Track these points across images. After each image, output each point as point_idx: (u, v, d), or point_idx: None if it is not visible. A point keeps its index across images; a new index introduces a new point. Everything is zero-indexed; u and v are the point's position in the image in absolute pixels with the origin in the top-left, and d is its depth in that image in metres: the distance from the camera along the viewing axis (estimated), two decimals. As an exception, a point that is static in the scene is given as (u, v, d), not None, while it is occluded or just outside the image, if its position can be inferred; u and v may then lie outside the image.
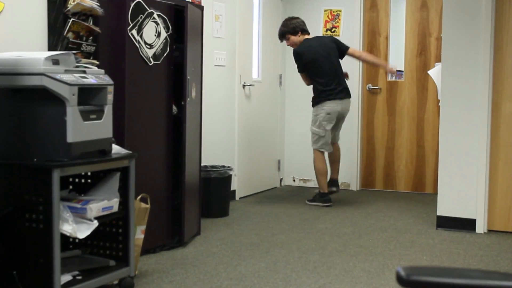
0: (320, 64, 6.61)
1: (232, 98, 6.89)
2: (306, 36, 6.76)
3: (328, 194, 6.73)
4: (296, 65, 6.76)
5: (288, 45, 6.97)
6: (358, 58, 7.05)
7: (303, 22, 6.81)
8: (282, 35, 6.82)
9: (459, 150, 5.56)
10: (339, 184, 7.01)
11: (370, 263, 4.57)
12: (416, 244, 5.16)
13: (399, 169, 7.65)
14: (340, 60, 6.78)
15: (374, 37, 7.66)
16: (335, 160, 6.93)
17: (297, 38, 6.74)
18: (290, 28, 6.75)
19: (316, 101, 6.68)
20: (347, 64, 7.60)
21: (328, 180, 6.83)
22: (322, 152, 6.74)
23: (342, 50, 6.78)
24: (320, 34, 7.64)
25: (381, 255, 4.80)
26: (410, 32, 7.54)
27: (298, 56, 6.67)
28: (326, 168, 6.78)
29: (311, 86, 6.76)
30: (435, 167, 7.00)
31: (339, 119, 6.74)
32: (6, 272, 3.36)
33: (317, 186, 6.93)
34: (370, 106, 7.73)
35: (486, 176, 5.50)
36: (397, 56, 7.73)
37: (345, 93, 6.71)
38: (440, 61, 5.88)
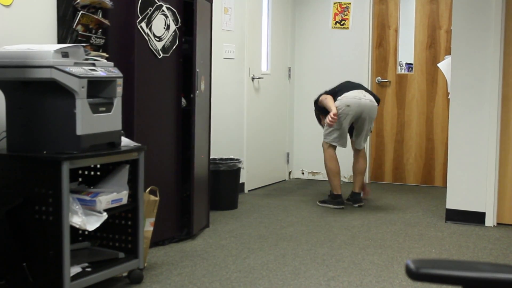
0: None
1: (241, 91, 6.89)
2: None
3: (340, 196, 6.27)
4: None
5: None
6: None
7: None
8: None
9: (469, 143, 5.54)
10: (361, 195, 6.45)
11: (379, 256, 4.56)
12: (425, 237, 5.15)
13: (408, 162, 7.64)
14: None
15: (384, 29, 7.63)
16: (358, 171, 6.43)
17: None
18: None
19: (339, 93, 6.25)
20: (357, 58, 7.59)
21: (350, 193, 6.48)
22: (334, 148, 6.30)
23: None
24: (330, 27, 7.63)
25: (390, 248, 4.80)
26: (419, 25, 7.51)
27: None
28: (338, 166, 6.32)
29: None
30: (445, 160, 6.99)
31: (363, 119, 6.22)
32: (16, 264, 3.38)
33: (327, 179, 6.89)
34: (380, 98, 7.69)
35: (496, 169, 5.48)
36: (407, 48, 7.72)
37: (372, 94, 6.36)
38: (450, 54, 5.85)
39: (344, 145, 6.35)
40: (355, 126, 6.34)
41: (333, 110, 6.09)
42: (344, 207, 6.24)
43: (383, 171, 7.77)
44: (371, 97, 6.28)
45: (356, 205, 6.33)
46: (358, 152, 6.48)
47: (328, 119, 6.14)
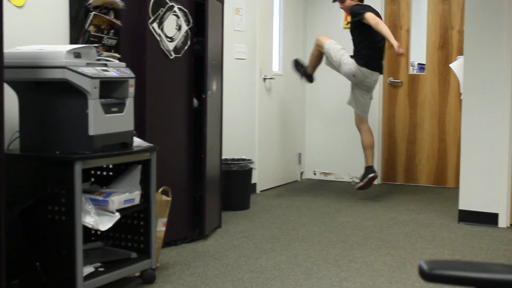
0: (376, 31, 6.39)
1: (252, 91, 6.88)
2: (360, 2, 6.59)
3: (371, 168, 6.60)
4: (358, 14, 6.36)
5: (341, 8, 6.69)
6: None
7: None
8: None
9: (481, 144, 5.51)
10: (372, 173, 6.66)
11: (392, 257, 4.55)
12: (438, 238, 5.13)
13: (421, 162, 7.61)
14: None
15: (396, 30, 7.61)
16: (369, 145, 6.69)
17: (352, 2, 6.53)
18: None
19: (357, 59, 6.45)
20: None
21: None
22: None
23: None
24: (341, 27, 7.62)
25: (403, 248, 4.78)
26: (432, 25, 7.48)
27: (361, 7, 6.43)
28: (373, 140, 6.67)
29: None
30: (457, 161, 6.96)
31: (368, 88, 6.58)
32: (29, 264, 3.39)
33: (339, 180, 6.87)
34: (391, 99, 7.69)
35: (509, 170, 5.45)
36: (419, 49, 7.69)
37: (380, 68, 6.59)
38: (462, 54, 5.82)
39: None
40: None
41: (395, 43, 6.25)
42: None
43: (395, 172, 7.75)
44: (380, 69, 6.59)
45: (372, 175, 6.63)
46: (363, 124, 6.72)
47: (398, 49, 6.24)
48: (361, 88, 6.56)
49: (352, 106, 6.67)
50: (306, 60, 7.01)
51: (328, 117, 7.47)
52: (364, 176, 6.59)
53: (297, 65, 6.95)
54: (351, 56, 6.50)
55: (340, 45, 6.56)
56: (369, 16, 6.29)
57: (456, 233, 5.27)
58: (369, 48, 6.44)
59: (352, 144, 7.53)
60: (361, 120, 6.67)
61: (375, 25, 6.26)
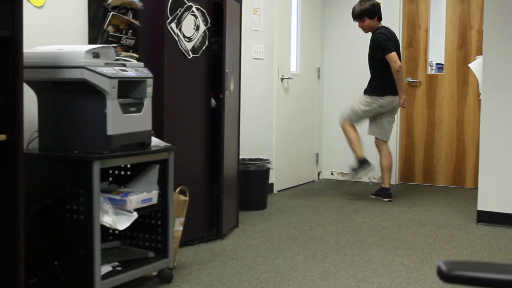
0: (397, 56, 6.43)
1: (270, 91, 6.88)
2: (381, 24, 6.57)
3: (365, 161, 6.66)
4: (382, 48, 6.37)
5: (360, 27, 6.63)
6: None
7: (380, 7, 6.60)
8: (360, 15, 6.52)
9: (500, 144, 5.48)
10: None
11: (409, 258, 4.53)
12: (456, 238, 5.10)
13: (439, 163, 7.57)
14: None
15: (414, 30, 7.58)
16: (387, 167, 6.70)
17: (373, 23, 6.51)
18: (369, 9, 6.48)
19: (375, 91, 6.47)
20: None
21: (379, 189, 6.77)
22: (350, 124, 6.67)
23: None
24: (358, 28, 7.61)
25: (420, 249, 4.76)
26: (450, 25, 7.44)
27: (386, 38, 6.39)
28: (357, 135, 6.68)
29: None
30: (476, 161, 6.92)
31: (390, 112, 6.62)
32: (48, 262, 3.41)
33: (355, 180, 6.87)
34: (409, 99, 7.64)
35: (528, 171, 5.41)
36: (437, 49, 7.65)
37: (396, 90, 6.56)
38: (481, 54, 5.79)
39: (359, 123, 6.72)
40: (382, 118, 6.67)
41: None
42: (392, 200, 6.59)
43: (413, 172, 7.71)
44: (397, 96, 6.59)
45: (387, 200, 6.60)
46: (383, 147, 6.74)
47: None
48: (387, 114, 6.61)
49: (375, 135, 6.71)
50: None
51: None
52: (380, 198, 6.65)
53: (355, 169, 6.79)
54: (367, 92, 6.52)
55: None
56: (393, 59, 6.34)
57: (475, 234, 5.24)
58: (390, 77, 6.44)
59: (370, 144, 7.51)
60: (384, 142, 6.71)
61: (394, 71, 6.36)
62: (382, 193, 6.62)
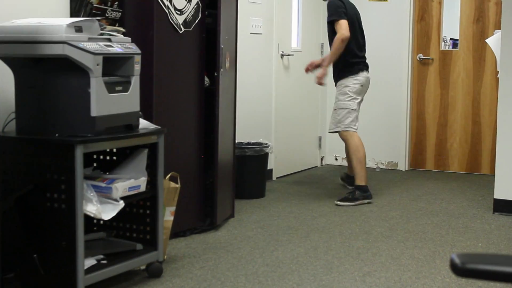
0: (357, 29, 6.29)
1: (269, 69, 6.87)
2: None
3: (367, 189, 6.06)
4: (331, 14, 6.14)
5: None
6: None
7: None
8: None
9: (520, 127, 5.48)
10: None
11: (420, 250, 4.54)
12: (471, 229, 5.12)
13: (452, 147, 7.58)
14: None
15: (426, 1, 7.55)
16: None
17: None
18: None
19: (348, 71, 6.21)
20: (396, 33, 7.53)
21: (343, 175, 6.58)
22: (355, 133, 6.12)
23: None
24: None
25: (432, 241, 4.77)
26: (466, -4, 7.43)
27: (340, 5, 6.15)
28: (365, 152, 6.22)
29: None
30: (492, 146, 6.92)
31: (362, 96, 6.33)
32: (26, 255, 3.41)
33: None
34: (420, 78, 7.64)
35: (550, 156, 5.42)
36: (452, 23, 7.63)
37: (368, 66, 6.37)
38: (499, 28, 5.77)
39: (357, 127, 6.21)
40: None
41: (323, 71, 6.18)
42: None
43: (424, 157, 7.72)
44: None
45: (367, 201, 6.10)
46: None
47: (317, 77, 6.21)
48: (361, 97, 6.32)
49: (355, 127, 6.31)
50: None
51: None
52: (356, 198, 6.09)
53: (355, 198, 6.15)
54: (341, 77, 6.24)
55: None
56: (343, 27, 6.04)
57: (491, 224, 5.25)
58: (355, 51, 6.23)
59: (377, 128, 7.52)
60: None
61: (338, 40, 6.01)
62: (349, 179, 6.49)
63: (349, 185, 6.50)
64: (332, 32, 6.18)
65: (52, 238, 3.38)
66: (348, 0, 6.32)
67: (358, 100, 6.19)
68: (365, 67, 6.28)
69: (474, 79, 7.42)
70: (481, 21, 7.36)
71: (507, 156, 5.54)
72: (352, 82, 6.18)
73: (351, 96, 6.16)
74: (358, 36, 6.28)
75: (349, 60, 6.19)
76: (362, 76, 6.21)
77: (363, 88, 6.25)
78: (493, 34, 6.43)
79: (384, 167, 7.70)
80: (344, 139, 6.20)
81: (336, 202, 5.95)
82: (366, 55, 6.36)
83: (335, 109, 6.25)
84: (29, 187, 3.40)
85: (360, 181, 6.04)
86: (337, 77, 6.29)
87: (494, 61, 6.82)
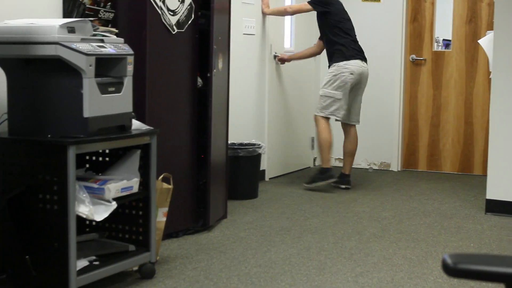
0: (347, 21, 6.47)
1: (262, 70, 6.87)
2: None
3: (331, 170, 6.46)
4: (314, 1, 6.48)
5: None
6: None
7: None
8: None
9: (511, 128, 5.50)
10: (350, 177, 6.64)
11: (412, 250, 4.55)
12: (463, 230, 5.13)
13: (445, 148, 7.59)
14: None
15: (419, 2, 7.57)
16: (350, 152, 6.62)
17: None
18: None
19: (338, 58, 6.37)
20: (389, 33, 7.54)
21: (338, 175, 6.59)
22: (328, 119, 6.45)
23: None
24: (359, 0, 7.58)
25: (424, 241, 4.78)
26: (458, -3, 7.44)
27: (327, 0, 6.46)
28: (332, 138, 6.47)
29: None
30: (485, 146, 6.94)
31: (359, 86, 6.46)
32: (18, 257, 3.41)
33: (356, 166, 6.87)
34: (413, 78, 7.66)
35: (542, 156, 5.44)
36: (444, 23, 7.65)
37: (366, 59, 6.52)
38: (492, 29, 5.79)
39: (345, 117, 6.49)
40: (350, 97, 6.48)
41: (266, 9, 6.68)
42: (336, 180, 6.46)
43: (417, 158, 7.74)
44: (367, 64, 6.51)
45: (344, 186, 6.53)
46: (350, 130, 6.61)
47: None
48: (356, 90, 6.48)
49: (343, 120, 6.54)
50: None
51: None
52: (339, 184, 6.53)
53: (315, 179, 6.58)
54: (329, 65, 6.47)
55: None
56: (302, 5, 6.55)
57: (483, 225, 5.27)
58: (347, 39, 6.42)
59: (369, 128, 7.52)
60: (352, 125, 6.62)
61: (283, 9, 6.73)
62: (341, 179, 6.57)
63: (341, 184, 6.53)
64: (320, 24, 6.51)
65: (44, 239, 3.38)
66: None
67: (345, 90, 6.33)
68: (359, 55, 6.40)
69: (466, 79, 7.44)
70: (473, 22, 7.38)
71: (499, 156, 5.56)
72: (341, 70, 6.34)
73: (336, 85, 6.33)
74: (350, 28, 6.48)
75: (340, 46, 6.39)
76: (353, 63, 6.33)
77: (355, 77, 6.34)
78: (485, 35, 6.45)
79: (376, 167, 7.71)
80: (316, 124, 6.52)
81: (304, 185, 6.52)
82: (367, 55, 6.47)
83: (320, 94, 6.48)
84: (21, 188, 3.40)
85: (322, 163, 6.54)
86: (330, 61, 6.51)
87: (486, 61, 6.83)
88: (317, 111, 6.53)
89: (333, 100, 6.35)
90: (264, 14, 6.73)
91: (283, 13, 6.85)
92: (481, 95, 7.34)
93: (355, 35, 6.52)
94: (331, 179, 6.45)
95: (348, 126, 6.64)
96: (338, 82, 6.33)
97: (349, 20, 6.52)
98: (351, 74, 6.32)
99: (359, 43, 6.52)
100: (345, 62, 6.34)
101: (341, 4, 6.54)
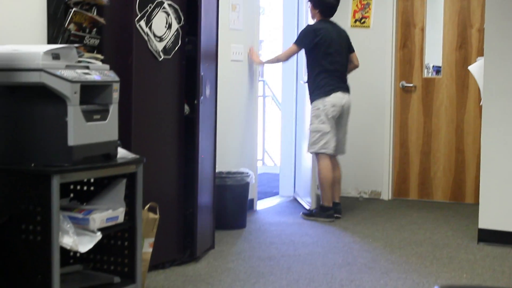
0: (334, 51, 6.50)
1: (250, 96, 6.87)
2: (323, 18, 6.61)
3: (332, 208, 6.46)
4: (300, 39, 6.57)
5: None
6: (353, 66, 6.78)
7: (334, 4, 6.58)
8: None
9: (503, 155, 5.51)
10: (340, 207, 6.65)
11: (404, 281, 4.54)
12: (455, 260, 5.12)
13: (436, 176, 7.60)
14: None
15: (409, 28, 7.62)
16: (337, 180, 6.63)
17: (314, 13, 6.62)
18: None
19: (318, 93, 6.46)
20: (379, 60, 7.58)
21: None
22: (327, 156, 6.44)
23: (348, 49, 6.68)
24: (349, 25, 7.62)
25: (416, 272, 4.77)
26: (448, 23, 7.49)
27: (314, 32, 6.49)
28: (332, 175, 6.47)
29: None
30: (477, 174, 6.95)
31: (341, 117, 6.52)
32: (0, 289, 3.38)
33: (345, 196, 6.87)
34: (403, 105, 7.68)
35: (534, 185, 5.45)
36: (434, 49, 7.69)
37: (348, 89, 6.59)
38: (482, 55, 5.83)
39: (336, 151, 6.53)
40: (337, 130, 6.56)
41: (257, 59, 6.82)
42: (334, 220, 6.44)
43: (408, 186, 7.74)
44: (348, 90, 6.60)
45: (338, 215, 6.56)
46: (334, 159, 6.62)
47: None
48: (340, 121, 6.54)
49: (337, 152, 6.61)
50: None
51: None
52: (315, 215, 6.56)
53: (313, 215, 6.64)
54: (312, 100, 6.55)
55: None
56: (289, 50, 6.67)
57: (476, 255, 5.26)
58: (329, 72, 6.48)
59: (359, 156, 7.53)
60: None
61: (275, 58, 6.89)
62: (329, 210, 6.54)
63: (334, 212, 6.53)
64: (307, 59, 6.62)
65: (27, 271, 3.35)
66: (331, 24, 6.49)
67: (331, 122, 6.40)
68: (339, 88, 6.48)
69: (457, 106, 7.47)
70: (464, 48, 7.43)
71: (492, 185, 5.56)
72: (323, 104, 6.42)
73: (323, 119, 6.41)
74: (336, 59, 6.51)
75: (321, 82, 6.48)
76: (333, 97, 6.43)
77: (337, 108, 6.42)
78: (475, 61, 6.49)
79: (367, 196, 7.71)
80: (317, 162, 6.54)
81: (301, 214, 6.60)
82: (358, 80, 6.53)
83: (310, 131, 6.55)
84: (3, 218, 3.37)
85: (323, 201, 6.49)
86: (311, 98, 6.58)
87: (477, 88, 6.87)
88: (308, 148, 6.58)
89: (321, 134, 6.42)
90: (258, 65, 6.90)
91: (276, 61, 6.93)
92: (472, 122, 7.37)
93: (342, 61, 6.55)
94: (330, 219, 6.39)
95: (332, 156, 6.65)
96: (322, 116, 6.42)
97: (342, 43, 6.56)
98: (333, 106, 6.41)
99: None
100: (324, 97, 6.42)
101: (330, 25, 6.61)
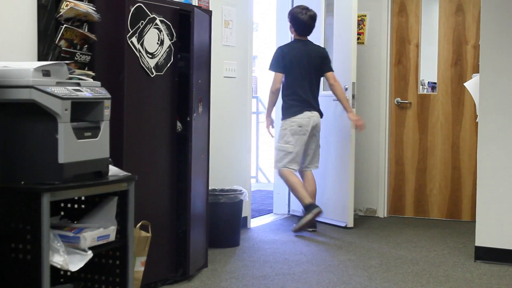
0: (300, 73, 6.64)
1: (244, 113, 6.88)
2: (299, 37, 6.77)
3: (314, 204, 6.57)
4: (270, 64, 6.73)
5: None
6: (330, 86, 6.79)
7: (307, 23, 6.70)
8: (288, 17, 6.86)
9: (500, 172, 5.52)
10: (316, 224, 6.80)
11: (400, 300, 4.54)
12: (452, 278, 5.12)
13: (432, 193, 7.61)
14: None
15: (404, 45, 7.65)
16: (311, 193, 6.71)
17: (291, 32, 6.83)
18: (291, 17, 6.79)
19: (286, 113, 6.69)
20: (373, 76, 7.61)
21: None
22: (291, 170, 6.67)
23: (322, 69, 6.74)
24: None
25: (412, 291, 4.77)
26: (443, 39, 7.53)
27: (282, 55, 6.66)
28: (299, 179, 6.68)
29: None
30: (473, 192, 6.96)
31: (311, 136, 6.67)
32: (-11, 309, 3.36)
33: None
34: (399, 122, 7.71)
35: (531, 202, 5.46)
36: (430, 66, 7.73)
37: (318, 110, 6.74)
38: (477, 71, 5.85)
39: (297, 168, 6.74)
40: (306, 147, 6.73)
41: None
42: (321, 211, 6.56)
43: (404, 204, 7.74)
44: (317, 110, 6.73)
45: (311, 229, 6.71)
46: (306, 174, 6.81)
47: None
48: (311, 138, 6.70)
49: (300, 168, 6.78)
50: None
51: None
52: (309, 212, 6.62)
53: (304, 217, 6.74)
54: (282, 119, 6.75)
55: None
56: (274, 79, 6.69)
57: (473, 273, 5.26)
58: (298, 91, 6.65)
59: (355, 173, 7.53)
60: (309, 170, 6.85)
61: (270, 91, 6.75)
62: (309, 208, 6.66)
63: (314, 227, 6.73)
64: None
65: (17, 291, 3.34)
66: (304, 44, 6.72)
67: (298, 142, 6.60)
68: (307, 108, 6.64)
69: (453, 123, 7.50)
70: (459, 64, 7.47)
71: (488, 202, 5.57)
72: (290, 125, 6.65)
73: (288, 140, 6.62)
74: (303, 82, 6.66)
75: (288, 102, 6.70)
76: (300, 117, 6.61)
77: (303, 129, 6.61)
78: (471, 78, 6.52)
79: (362, 213, 7.71)
80: (281, 176, 6.74)
81: (292, 230, 6.68)
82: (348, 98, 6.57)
83: (276, 149, 6.80)
84: (-8, 237, 3.36)
85: (302, 201, 6.59)
86: (282, 116, 6.78)
87: (473, 104, 6.90)
88: (274, 165, 6.81)
89: (284, 154, 6.66)
90: (269, 126, 6.97)
91: (272, 95, 6.76)
92: (468, 139, 7.39)
93: (311, 83, 6.68)
94: (316, 210, 6.51)
95: (304, 171, 6.81)
96: (287, 136, 6.62)
97: (310, 62, 6.65)
98: (300, 126, 6.60)
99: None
100: (292, 118, 6.62)
101: (303, 44, 6.73)
